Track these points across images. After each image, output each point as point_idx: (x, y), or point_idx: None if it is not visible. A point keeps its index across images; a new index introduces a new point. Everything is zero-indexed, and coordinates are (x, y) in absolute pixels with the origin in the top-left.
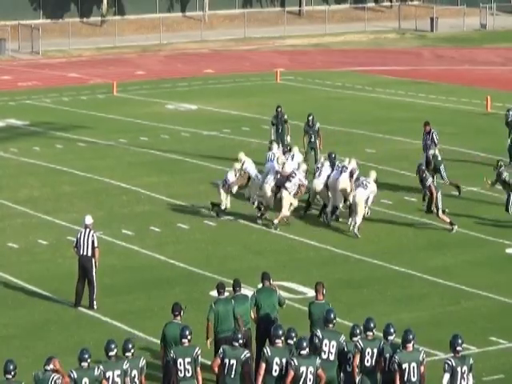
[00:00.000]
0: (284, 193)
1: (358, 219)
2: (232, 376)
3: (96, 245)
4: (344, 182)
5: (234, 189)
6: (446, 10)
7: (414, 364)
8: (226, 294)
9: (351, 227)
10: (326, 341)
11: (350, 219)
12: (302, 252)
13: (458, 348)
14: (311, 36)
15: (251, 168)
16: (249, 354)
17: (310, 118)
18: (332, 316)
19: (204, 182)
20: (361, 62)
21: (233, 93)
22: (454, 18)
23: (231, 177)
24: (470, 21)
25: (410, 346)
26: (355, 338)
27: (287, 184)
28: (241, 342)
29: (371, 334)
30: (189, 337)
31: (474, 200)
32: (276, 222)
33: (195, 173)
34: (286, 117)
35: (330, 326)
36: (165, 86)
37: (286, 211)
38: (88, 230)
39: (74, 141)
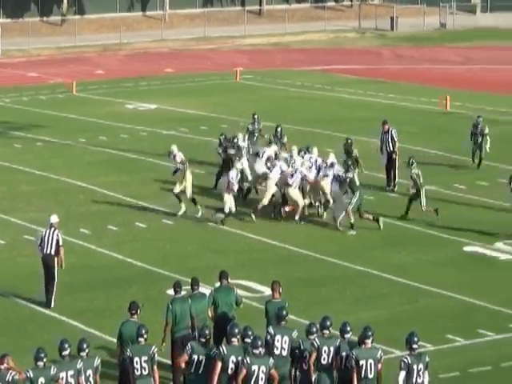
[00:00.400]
0: (289, 189)
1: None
2: (200, 372)
3: (61, 243)
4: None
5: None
6: (406, 9)
7: (371, 361)
8: (183, 292)
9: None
10: (278, 337)
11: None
12: (260, 251)
13: (414, 346)
14: (271, 35)
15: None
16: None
17: (279, 129)
18: (284, 313)
19: (162, 182)
20: (321, 61)
21: (192, 92)
22: (414, 17)
23: (234, 176)
24: (430, 20)
25: (368, 342)
26: (312, 336)
27: (289, 180)
28: (208, 338)
29: (327, 332)
30: (145, 336)
31: (432, 199)
32: (297, 218)
33: (153, 172)
34: (261, 125)
35: (283, 323)
36: (125, 85)
37: (301, 202)
38: (53, 229)
39: (32, 140)
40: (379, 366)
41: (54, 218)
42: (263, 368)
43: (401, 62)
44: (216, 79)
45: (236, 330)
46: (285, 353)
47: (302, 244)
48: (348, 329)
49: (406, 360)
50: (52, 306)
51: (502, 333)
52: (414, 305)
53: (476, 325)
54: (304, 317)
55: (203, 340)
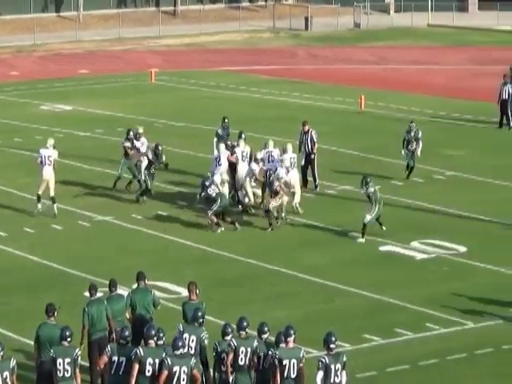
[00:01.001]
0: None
1: (298, 197)
2: (120, 374)
3: None
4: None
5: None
6: (320, 9)
7: (294, 360)
8: (99, 294)
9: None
10: (186, 334)
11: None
12: (175, 251)
13: (332, 345)
14: (186, 36)
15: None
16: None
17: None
18: (199, 314)
19: (77, 183)
20: (235, 62)
21: (108, 93)
22: (328, 17)
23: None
24: (344, 20)
25: (290, 341)
26: (227, 337)
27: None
28: (128, 339)
29: (244, 332)
30: (69, 338)
31: (346, 198)
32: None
33: (68, 173)
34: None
35: (196, 324)
36: (40, 86)
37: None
38: None
39: None
40: (301, 365)
41: None
42: (184, 368)
43: (315, 61)
44: (131, 80)
45: (152, 332)
46: (192, 351)
47: (215, 244)
48: (265, 329)
49: (323, 360)
50: None
51: (418, 332)
52: (330, 304)
53: (393, 324)
54: (220, 317)
55: (123, 342)
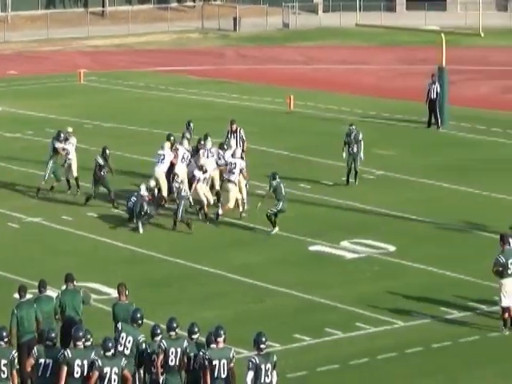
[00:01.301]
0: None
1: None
2: (47, 376)
3: None
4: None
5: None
6: (248, 10)
7: (224, 361)
8: (29, 295)
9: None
10: (123, 334)
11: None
12: (105, 252)
13: (262, 346)
14: (115, 36)
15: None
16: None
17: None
18: (139, 315)
19: (6, 184)
20: (164, 62)
21: (37, 94)
22: (256, 17)
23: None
24: (272, 20)
25: (220, 341)
26: (157, 338)
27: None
28: (55, 341)
29: (174, 333)
30: (5, 339)
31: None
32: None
33: None
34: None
35: (135, 325)
36: None
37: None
38: None
39: None
40: (231, 365)
41: None
42: (115, 369)
43: (244, 62)
44: (60, 81)
45: (81, 334)
46: (127, 352)
47: (144, 245)
48: (195, 329)
49: (253, 360)
50: None
51: (349, 331)
52: (260, 304)
53: (323, 324)
54: (149, 318)
55: (50, 343)
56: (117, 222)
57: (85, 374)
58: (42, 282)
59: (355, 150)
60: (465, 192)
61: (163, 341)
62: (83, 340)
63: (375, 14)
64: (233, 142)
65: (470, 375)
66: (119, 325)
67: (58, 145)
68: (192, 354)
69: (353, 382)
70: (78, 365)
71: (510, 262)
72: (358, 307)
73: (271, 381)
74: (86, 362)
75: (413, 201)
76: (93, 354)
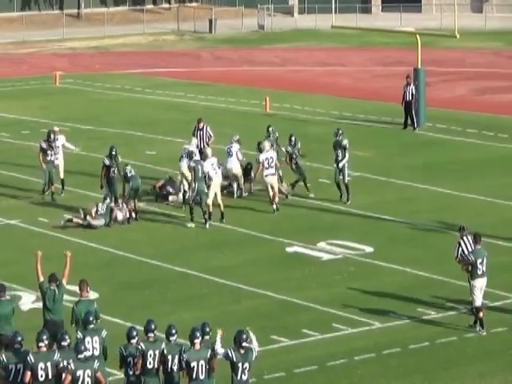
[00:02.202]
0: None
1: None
2: (18, 380)
3: None
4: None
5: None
6: (224, 11)
7: (202, 362)
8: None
9: None
10: (88, 338)
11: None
12: (82, 255)
13: (244, 344)
14: (90, 38)
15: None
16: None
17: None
18: (91, 318)
19: None
20: (140, 64)
21: (12, 96)
22: (232, 19)
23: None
24: (248, 22)
25: (197, 343)
26: (133, 341)
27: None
28: (22, 343)
29: (152, 335)
30: None
31: (251, 200)
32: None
33: None
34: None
35: (92, 326)
36: None
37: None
38: None
39: None
40: (212, 364)
41: None
42: (88, 372)
43: (220, 64)
44: (36, 83)
45: (44, 336)
46: (97, 352)
47: (122, 246)
48: (173, 331)
49: (230, 353)
50: None
51: (326, 332)
52: (237, 305)
53: (300, 325)
54: (127, 320)
55: (18, 346)
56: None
57: (50, 376)
58: (0, 286)
59: (340, 156)
60: (441, 193)
61: (141, 343)
62: (46, 342)
63: (351, 16)
64: (194, 140)
65: (447, 376)
66: (79, 334)
67: (43, 144)
68: (169, 357)
69: (330, 383)
70: (41, 368)
71: (479, 261)
72: (335, 308)
73: (247, 379)
74: (49, 365)
75: (389, 202)
76: (56, 355)
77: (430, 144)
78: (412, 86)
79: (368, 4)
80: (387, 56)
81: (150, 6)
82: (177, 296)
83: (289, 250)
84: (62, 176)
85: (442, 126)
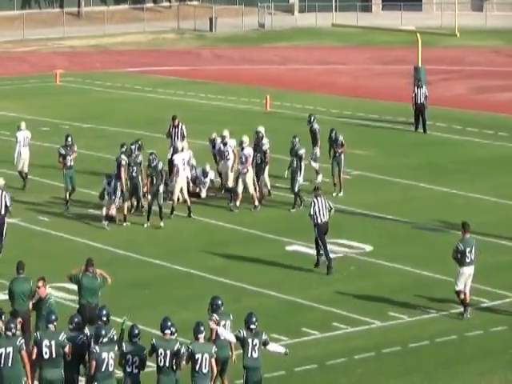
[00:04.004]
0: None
1: None
2: (9, 365)
3: (9, 204)
4: None
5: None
6: (224, 10)
7: (206, 355)
8: None
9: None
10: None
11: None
12: (83, 253)
13: (252, 326)
14: (91, 37)
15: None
16: (23, 340)
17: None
18: (53, 318)
19: None
20: (140, 63)
21: (12, 95)
22: (232, 17)
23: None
24: (248, 20)
25: (201, 337)
26: (135, 339)
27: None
28: (14, 331)
29: (169, 332)
30: None
31: (248, 199)
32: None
33: None
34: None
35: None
36: None
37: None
38: (1, 191)
39: None
40: (213, 360)
41: (1, 181)
42: (112, 354)
43: (220, 62)
44: (36, 82)
45: (53, 317)
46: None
47: (123, 246)
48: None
49: (241, 331)
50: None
51: (326, 331)
52: (237, 304)
53: (300, 324)
54: (130, 319)
55: (9, 333)
56: (95, 223)
57: (54, 355)
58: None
59: (338, 154)
60: (441, 192)
61: (155, 341)
62: (55, 324)
63: (351, 15)
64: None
65: (447, 375)
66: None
67: (62, 150)
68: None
69: (330, 382)
70: (45, 345)
71: (467, 250)
72: (334, 307)
73: (258, 356)
74: (53, 343)
75: (389, 201)
76: (61, 335)
77: (430, 143)
78: (424, 89)
79: (368, 2)
80: (387, 55)
81: (150, 5)
82: (177, 295)
83: (289, 248)
84: (26, 170)
85: (441, 124)
